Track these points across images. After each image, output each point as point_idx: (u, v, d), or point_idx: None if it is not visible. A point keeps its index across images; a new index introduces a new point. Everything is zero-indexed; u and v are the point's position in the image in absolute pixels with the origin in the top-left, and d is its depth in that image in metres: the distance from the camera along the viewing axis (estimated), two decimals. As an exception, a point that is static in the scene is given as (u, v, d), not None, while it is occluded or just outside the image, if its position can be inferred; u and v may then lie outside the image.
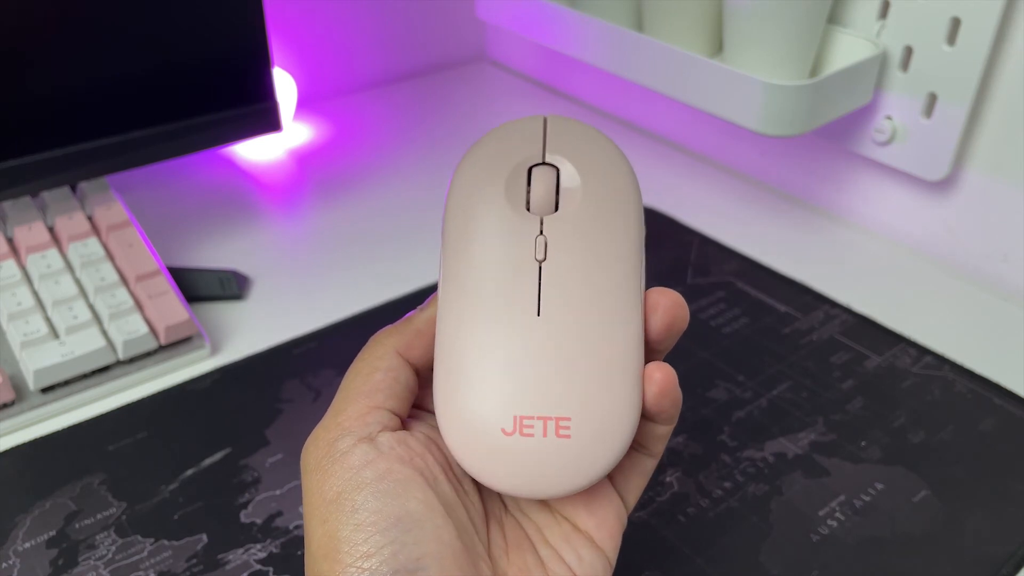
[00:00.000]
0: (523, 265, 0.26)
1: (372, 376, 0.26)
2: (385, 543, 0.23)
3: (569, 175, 0.28)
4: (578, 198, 0.27)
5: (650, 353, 0.27)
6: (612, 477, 0.28)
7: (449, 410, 0.26)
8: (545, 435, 0.25)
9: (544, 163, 0.28)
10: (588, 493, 0.28)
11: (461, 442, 0.25)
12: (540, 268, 0.26)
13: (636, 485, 0.29)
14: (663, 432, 0.28)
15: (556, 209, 0.27)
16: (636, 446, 0.28)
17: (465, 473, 0.27)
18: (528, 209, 0.27)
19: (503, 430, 0.25)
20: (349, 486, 0.24)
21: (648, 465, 0.29)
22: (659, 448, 0.28)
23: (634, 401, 0.26)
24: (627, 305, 0.26)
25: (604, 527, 0.28)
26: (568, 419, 0.25)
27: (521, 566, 0.27)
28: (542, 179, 0.28)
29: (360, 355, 0.27)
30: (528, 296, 0.26)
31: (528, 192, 0.27)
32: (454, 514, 0.25)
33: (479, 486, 0.28)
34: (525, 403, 0.25)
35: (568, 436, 0.25)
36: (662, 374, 0.26)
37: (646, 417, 0.26)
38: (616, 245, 0.27)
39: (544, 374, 0.25)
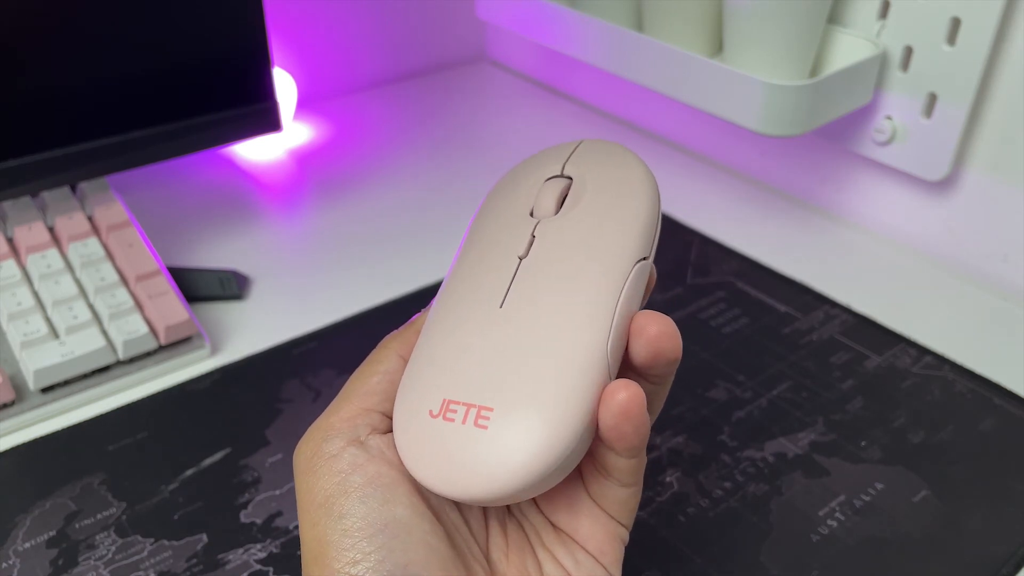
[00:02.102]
0: (504, 261, 0.26)
1: (369, 379, 0.27)
2: (372, 550, 0.23)
3: (579, 185, 0.28)
4: (580, 206, 0.27)
5: (638, 379, 0.26)
6: (593, 498, 0.27)
7: (399, 389, 0.26)
8: (464, 422, 0.23)
9: (561, 175, 0.28)
10: (569, 503, 0.27)
11: (397, 420, 0.25)
12: (518, 264, 0.26)
13: (618, 511, 0.27)
14: (627, 464, 0.25)
15: (554, 213, 0.27)
16: (603, 471, 0.26)
17: None
18: (532, 215, 0.27)
19: (430, 411, 0.24)
20: (337, 490, 0.24)
21: (621, 494, 0.27)
22: (628, 479, 0.26)
23: (575, 415, 0.23)
24: (599, 315, 0.24)
25: (592, 540, 0.27)
26: (490, 409, 0.23)
27: (521, 568, 0.27)
28: (551, 187, 0.28)
29: (366, 358, 0.28)
30: (498, 289, 0.26)
31: (537, 198, 0.28)
32: (444, 517, 0.25)
33: None
34: (456, 387, 0.24)
35: (485, 427, 0.23)
36: (627, 394, 0.23)
37: (603, 442, 0.25)
38: (605, 254, 0.26)
39: (485, 363, 0.24)
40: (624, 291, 0.25)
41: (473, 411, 0.24)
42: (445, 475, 0.23)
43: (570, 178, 0.28)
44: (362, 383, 0.27)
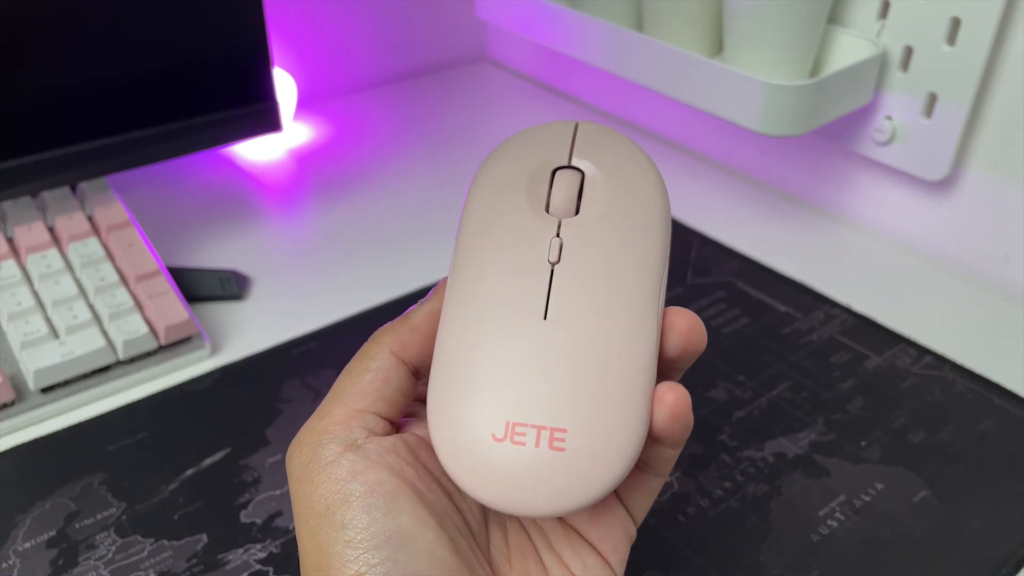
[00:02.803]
0: (534, 267, 0.25)
1: (361, 378, 0.26)
2: (377, 561, 0.23)
3: (593, 180, 0.27)
4: (600, 203, 0.26)
5: (665, 371, 0.26)
6: (617, 491, 0.28)
7: (439, 412, 0.24)
8: (538, 445, 0.23)
9: (569, 166, 0.27)
10: (592, 504, 0.28)
11: (448, 446, 0.24)
12: (552, 271, 0.25)
13: (641, 502, 0.28)
14: (670, 455, 0.27)
15: (576, 213, 0.26)
16: (641, 464, 0.27)
17: None
18: (548, 211, 0.26)
19: (493, 435, 0.23)
20: (337, 499, 0.23)
21: (654, 484, 0.28)
22: (666, 468, 0.27)
23: (640, 420, 0.24)
24: (642, 317, 0.25)
25: (608, 540, 0.27)
26: (564, 431, 0.23)
27: (524, 572, 0.26)
28: (565, 182, 0.27)
29: (357, 353, 0.27)
30: (536, 299, 0.25)
31: (549, 194, 0.27)
32: (447, 524, 0.25)
33: None
34: (520, 409, 0.24)
35: (562, 449, 0.23)
36: (674, 396, 0.24)
37: (652, 438, 0.25)
38: (635, 255, 0.25)
39: (544, 381, 0.24)
40: (660, 293, 0.25)
41: (545, 433, 0.23)
42: (517, 496, 0.23)
43: (579, 170, 0.27)
44: (353, 382, 0.26)
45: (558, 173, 0.27)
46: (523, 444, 0.23)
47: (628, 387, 0.24)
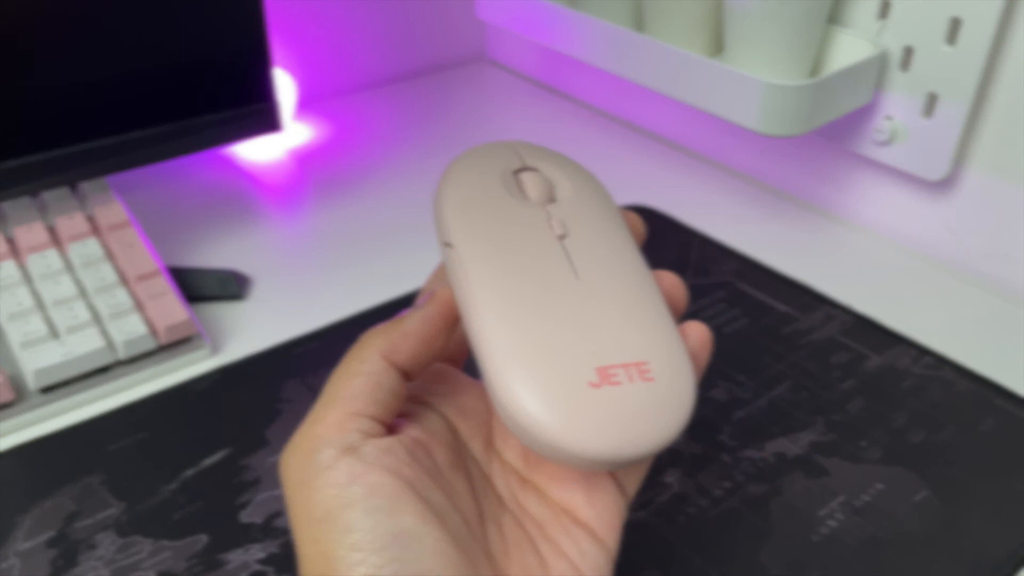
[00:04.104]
0: (548, 242, 0.28)
1: (352, 381, 0.26)
2: (384, 563, 0.22)
3: (552, 174, 0.31)
4: (567, 191, 0.30)
5: None
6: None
7: (522, 386, 0.25)
8: (632, 380, 0.25)
9: (526, 168, 0.31)
10: (587, 483, 0.28)
11: (547, 413, 0.24)
12: (563, 243, 0.28)
13: (635, 474, 0.29)
14: None
15: (552, 200, 0.30)
16: None
17: (458, 476, 0.27)
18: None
19: (590, 383, 0.25)
20: (338, 503, 0.23)
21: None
22: None
23: (683, 346, 0.27)
24: (644, 270, 0.28)
25: (604, 518, 0.27)
26: (646, 362, 0.26)
27: (522, 565, 0.26)
28: (533, 178, 0.30)
29: (345, 356, 0.27)
30: (563, 265, 0.27)
31: (523, 189, 0.30)
32: (449, 522, 0.25)
33: (472, 487, 0.27)
34: (603, 353, 0.25)
35: (652, 379, 0.25)
36: (698, 326, 0.28)
37: None
38: (614, 224, 0.29)
39: (608, 325, 0.26)
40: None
41: (633, 369, 0.25)
42: (630, 435, 0.25)
43: (536, 169, 0.31)
44: (344, 385, 0.26)
45: (521, 173, 0.30)
46: (619, 383, 0.25)
47: (665, 320, 0.27)
